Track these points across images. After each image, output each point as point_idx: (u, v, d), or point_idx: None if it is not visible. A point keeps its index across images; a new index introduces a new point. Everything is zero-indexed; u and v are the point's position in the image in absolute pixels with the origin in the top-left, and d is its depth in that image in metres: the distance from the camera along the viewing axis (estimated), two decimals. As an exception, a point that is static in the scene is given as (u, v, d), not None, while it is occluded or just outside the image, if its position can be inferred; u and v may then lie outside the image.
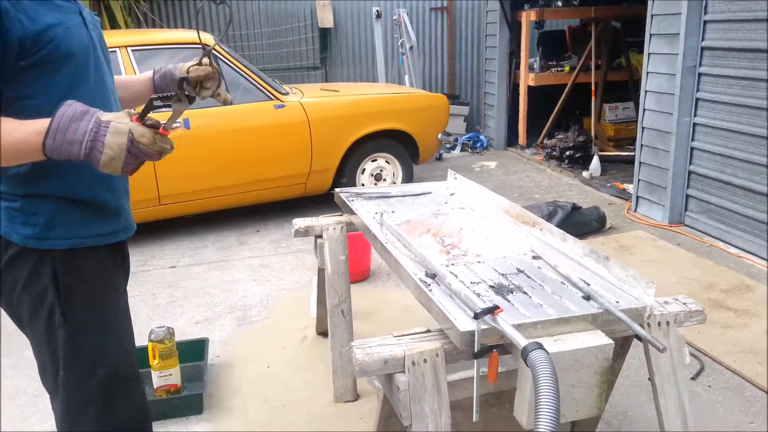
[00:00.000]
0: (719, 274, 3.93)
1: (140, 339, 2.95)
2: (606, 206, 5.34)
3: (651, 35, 4.83)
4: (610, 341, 1.52)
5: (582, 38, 7.63)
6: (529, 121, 7.55)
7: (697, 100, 4.55)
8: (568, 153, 6.85)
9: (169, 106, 1.45)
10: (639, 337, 1.79)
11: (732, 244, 4.36)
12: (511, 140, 7.85)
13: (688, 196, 4.79)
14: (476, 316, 1.44)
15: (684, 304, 1.82)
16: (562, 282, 1.78)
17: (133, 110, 1.37)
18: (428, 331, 1.63)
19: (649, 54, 4.89)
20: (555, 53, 7.77)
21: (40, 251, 1.43)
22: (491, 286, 1.75)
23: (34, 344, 1.55)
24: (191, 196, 4.50)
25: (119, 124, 1.27)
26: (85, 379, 1.53)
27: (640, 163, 5.17)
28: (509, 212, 2.36)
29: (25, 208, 1.42)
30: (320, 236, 2.61)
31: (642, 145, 5.12)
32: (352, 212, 2.47)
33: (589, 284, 1.74)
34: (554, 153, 7.02)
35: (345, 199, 2.54)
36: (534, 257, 1.97)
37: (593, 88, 7.14)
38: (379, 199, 2.58)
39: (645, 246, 4.49)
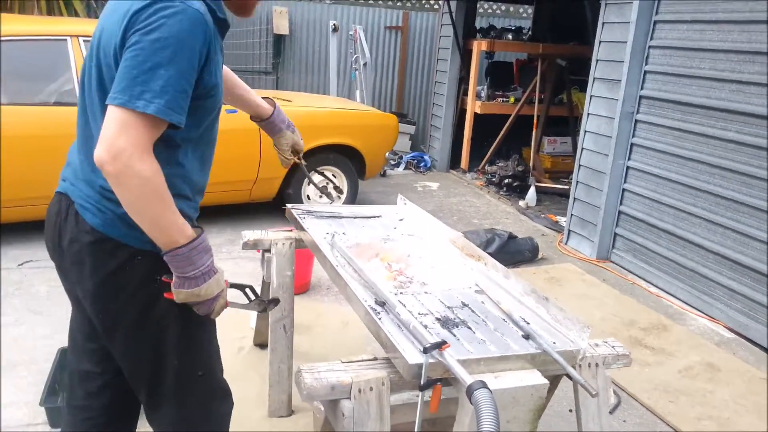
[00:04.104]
0: (640, 312, 4.16)
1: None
2: (539, 237, 5.55)
3: (594, 78, 5.08)
4: (546, 381, 1.62)
5: (528, 71, 7.92)
6: (471, 146, 7.76)
7: (632, 144, 4.82)
8: (506, 181, 7.08)
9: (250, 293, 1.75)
10: (569, 376, 1.90)
11: (653, 284, 4.63)
12: (454, 163, 8.04)
13: (616, 234, 5.05)
14: (425, 351, 1.50)
15: (612, 347, 1.94)
16: (503, 319, 1.87)
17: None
18: (375, 359, 1.68)
19: (591, 96, 5.14)
20: (502, 83, 8.03)
21: (155, 254, 1.45)
22: (438, 319, 1.82)
23: (131, 351, 1.57)
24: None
25: (221, 279, 1.51)
26: (207, 378, 1.64)
27: (575, 199, 5.40)
28: (455, 243, 2.44)
29: None
30: (268, 250, 2.62)
31: (578, 182, 5.36)
32: (302, 229, 2.50)
33: (528, 323, 1.84)
34: (494, 179, 7.24)
35: (297, 216, 2.56)
36: (477, 291, 2.06)
37: (535, 120, 7.42)
38: (330, 219, 2.62)
39: (574, 279, 4.70)
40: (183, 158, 1.51)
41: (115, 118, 1.29)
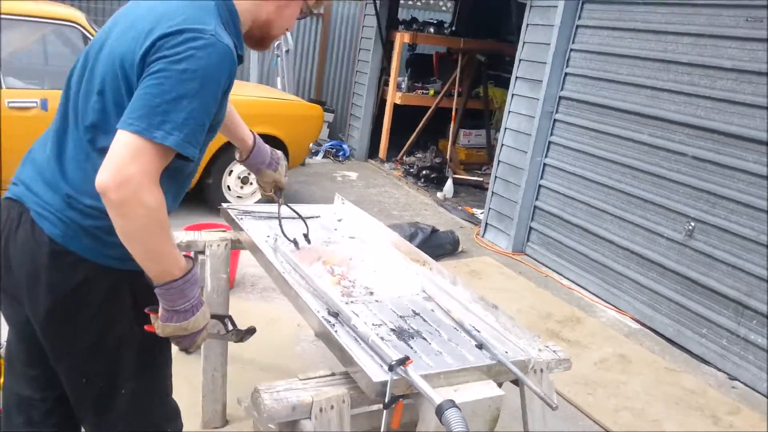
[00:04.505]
0: (555, 305, 4.35)
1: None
2: (458, 229, 5.67)
3: (517, 78, 5.22)
4: (502, 392, 1.65)
5: (447, 64, 8.03)
6: (390, 136, 7.79)
7: (550, 143, 5.01)
8: (424, 172, 7.18)
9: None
10: (518, 383, 1.95)
11: (565, 276, 4.85)
12: (372, 153, 8.04)
13: (531, 228, 5.24)
14: (390, 368, 1.48)
15: (554, 352, 2.01)
16: (455, 328, 1.89)
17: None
18: (333, 374, 1.65)
19: (513, 95, 5.28)
20: (422, 75, 8.10)
21: (118, 272, 1.41)
22: (392, 329, 1.80)
23: (82, 375, 1.48)
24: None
25: (207, 312, 1.48)
26: (163, 400, 1.62)
27: (493, 193, 5.55)
28: (399, 248, 2.44)
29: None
30: (202, 252, 2.50)
31: (496, 177, 5.51)
32: (240, 230, 2.40)
33: (479, 331, 1.86)
34: (412, 170, 7.32)
35: (234, 217, 2.46)
36: (426, 298, 2.06)
37: (453, 113, 7.55)
38: (269, 220, 2.53)
39: (492, 272, 4.84)
40: (163, 184, 1.41)
41: (127, 143, 1.21)
